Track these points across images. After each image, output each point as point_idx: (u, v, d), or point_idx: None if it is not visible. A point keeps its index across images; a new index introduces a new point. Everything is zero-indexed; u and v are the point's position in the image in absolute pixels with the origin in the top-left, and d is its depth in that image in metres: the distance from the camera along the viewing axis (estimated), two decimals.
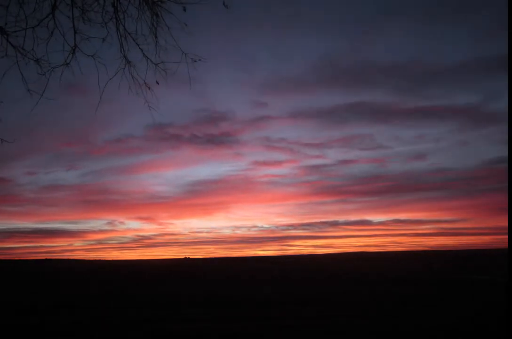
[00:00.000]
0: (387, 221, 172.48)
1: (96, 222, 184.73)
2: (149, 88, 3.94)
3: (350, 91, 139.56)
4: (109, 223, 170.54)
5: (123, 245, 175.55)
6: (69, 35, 3.52)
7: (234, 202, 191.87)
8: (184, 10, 3.78)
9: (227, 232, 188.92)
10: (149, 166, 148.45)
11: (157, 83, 3.90)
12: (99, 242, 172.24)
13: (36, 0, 3.26)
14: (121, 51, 3.77)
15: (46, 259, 67.12)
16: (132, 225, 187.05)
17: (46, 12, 3.32)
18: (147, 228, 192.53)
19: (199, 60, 3.86)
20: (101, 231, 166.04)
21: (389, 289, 18.86)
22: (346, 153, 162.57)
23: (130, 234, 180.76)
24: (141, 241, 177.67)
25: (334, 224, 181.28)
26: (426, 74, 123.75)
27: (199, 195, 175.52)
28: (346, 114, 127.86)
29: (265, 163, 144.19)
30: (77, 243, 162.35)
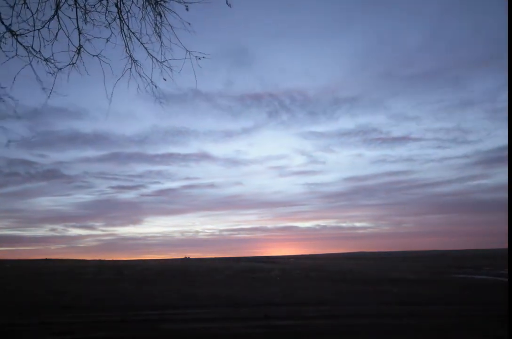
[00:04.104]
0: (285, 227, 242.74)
1: (37, 229, 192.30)
2: (155, 86, 3.98)
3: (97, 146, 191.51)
4: (53, 229, 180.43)
5: (99, 247, 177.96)
6: (73, 35, 3.54)
7: (141, 215, 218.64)
8: (187, 9, 3.79)
9: (178, 235, 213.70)
10: (24, 194, 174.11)
11: (164, 80, 3.95)
12: (71, 245, 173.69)
13: (38, 0, 3.26)
14: (126, 51, 3.79)
15: (46, 259, 67.03)
16: (78, 232, 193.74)
17: (49, 13, 3.33)
18: (98, 233, 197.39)
19: (203, 57, 3.89)
20: (57, 237, 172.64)
21: (388, 289, 18.87)
22: (173, 183, 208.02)
23: (89, 239, 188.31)
24: (113, 244, 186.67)
25: (266, 229, 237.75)
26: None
27: (102, 212, 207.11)
28: (124, 158, 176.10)
29: (123, 187, 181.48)
30: (51, 246, 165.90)
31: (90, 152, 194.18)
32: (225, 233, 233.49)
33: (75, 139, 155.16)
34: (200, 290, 18.11)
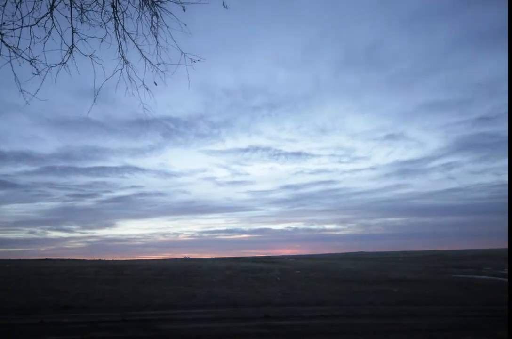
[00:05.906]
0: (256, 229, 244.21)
1: (16, 232, 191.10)
2: (147, 89, 3.92)
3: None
4: (32, 232, 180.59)
5: (89, 248, 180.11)
6: (67, 34, 3.50)
7: (110, 219, 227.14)
8: (184, 10, 3.77)
9: (161, 237, 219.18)
10: None
11: (155, 84, 3.88)
12: (59, 247, 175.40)
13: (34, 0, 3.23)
14: (119, 51, 3.74)
15: (46, 259, 67.10)
16: (58, 234, 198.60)
17: (44, 12, 3.29)
18: (80, 236, 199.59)
19: (198, 60, 3.85)
20: (40, 239, 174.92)
21: (388, 289, 18.85)
22: (123, 191, 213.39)
23: (73, 241, 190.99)
24: (101, 245, 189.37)
25: (243, 231, 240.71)
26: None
27: (71, 217, 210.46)
28: (60, 171, 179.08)
29: (80, 195, 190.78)
30: (41, 248, 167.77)
31: (25, 167, 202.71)
32: (205, 234, 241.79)
33: (3, 157, 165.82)
34: (200, 290, 18.09)
